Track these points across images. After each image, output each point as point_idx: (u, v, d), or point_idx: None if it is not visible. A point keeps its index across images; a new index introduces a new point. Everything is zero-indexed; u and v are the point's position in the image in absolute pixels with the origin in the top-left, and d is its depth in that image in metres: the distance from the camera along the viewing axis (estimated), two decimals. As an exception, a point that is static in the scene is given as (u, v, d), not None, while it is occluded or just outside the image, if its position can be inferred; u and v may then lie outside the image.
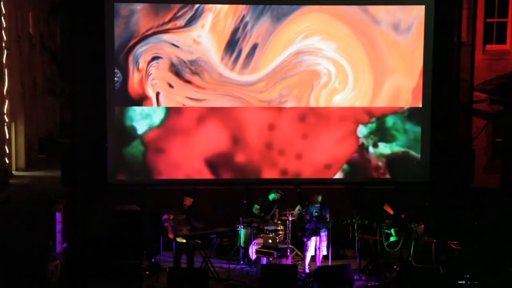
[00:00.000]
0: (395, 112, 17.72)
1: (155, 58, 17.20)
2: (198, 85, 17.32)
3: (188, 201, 14.96)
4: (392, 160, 17.79)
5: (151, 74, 17.18)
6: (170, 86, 17.27)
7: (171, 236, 14.79)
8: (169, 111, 17.36)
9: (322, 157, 17.71)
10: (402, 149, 17.80)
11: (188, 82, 17.30)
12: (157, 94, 17.22)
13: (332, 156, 17.71)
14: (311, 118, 17.62)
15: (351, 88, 17.58)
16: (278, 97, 17.48)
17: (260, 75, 17.41)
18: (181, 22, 17.18)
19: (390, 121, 17.72)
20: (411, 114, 17.72)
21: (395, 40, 17.53)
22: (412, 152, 17.78)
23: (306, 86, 17.51)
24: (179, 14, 17.18)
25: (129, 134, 17.37)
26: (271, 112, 17.55)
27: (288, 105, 17.51)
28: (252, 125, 17.56)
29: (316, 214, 15.13)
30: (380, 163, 17.78)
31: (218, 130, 17.51)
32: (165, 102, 17.26)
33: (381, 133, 17.75)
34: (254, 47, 17.32)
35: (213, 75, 17.31)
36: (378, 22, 17.48)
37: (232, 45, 17.28)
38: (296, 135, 17.64)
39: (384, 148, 17.78)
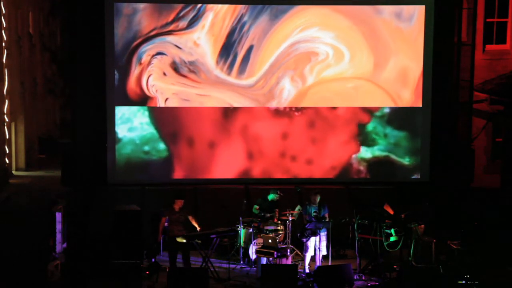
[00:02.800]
0: (395, 111, 17.72)
1: (159, 53, 17.19)
2: (193, 79, 17.29)
3: (178, 203, 14.90)
4: (393, 158, 17.79)
5: (152, 63, 17.16)
6: (164, 74, 17.23)
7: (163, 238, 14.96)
8: (170, 111, 17.35)
9: (324, 157, 17.70)
10: (402, 148, 17.81)
11: (184, 76, 17.27)
12: (148, 76, 17.17)
13: (334, 156, 17.70)
14: (315, 118, 17.60)
15: (350, 74, 17.55)
16: (275, 81, 17.42)
17: (257, 77, 17.38)
18: (183, 23, 17.15)
19: (390, 120, 17.71)
20: (412, 113, 17.72)
21: (398, 27, 17.45)
22: (412, 151, 17.79)
23: (304, 61, 17.42)
24: (181, 14, 17.15)
25: (129, 134, 17.35)
26: (270, 112, 17.55)
27: (286, 80, 17.37)
28: (252, 124, 17.55)
29: (314, 214, 15.12)
30: (380, 162, 17.77)
31: (218, 130, 17.51)
32: (152, 82, 17.13)
33: (381, 132, 17.75)
34: (250, 49, 17.26)
35: (210, 76, 17.29)
36: (380, 11, 17.40)
37: (227, 49, 17.20)
38: (299, 136, 17.62)
39: (385, 147, 17.78)
